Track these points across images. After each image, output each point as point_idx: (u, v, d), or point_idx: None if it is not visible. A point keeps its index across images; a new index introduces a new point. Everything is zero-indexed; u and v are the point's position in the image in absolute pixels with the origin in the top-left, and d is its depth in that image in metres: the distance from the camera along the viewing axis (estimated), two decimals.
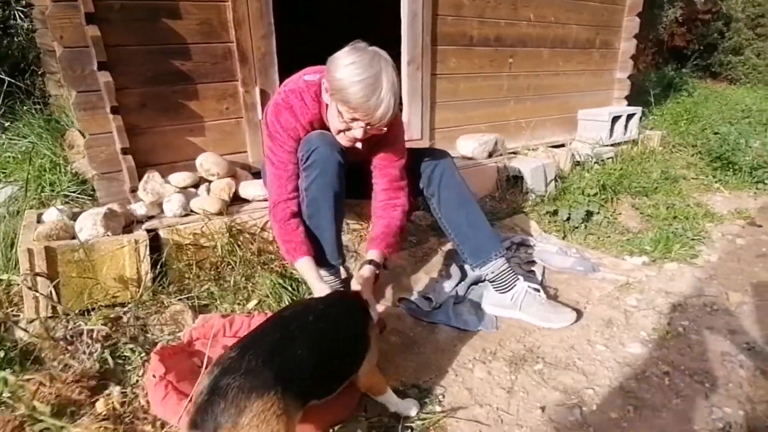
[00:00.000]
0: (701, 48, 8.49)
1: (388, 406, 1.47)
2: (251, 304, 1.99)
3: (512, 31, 3.35)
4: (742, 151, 4.18)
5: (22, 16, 4.42)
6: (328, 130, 1.74)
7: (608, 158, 3.86)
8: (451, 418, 1.48)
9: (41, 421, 1.34)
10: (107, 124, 2.02)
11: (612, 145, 3.99)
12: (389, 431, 1.40)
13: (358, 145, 1.76)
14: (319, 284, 1.64)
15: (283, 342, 1.15)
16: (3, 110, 3.27)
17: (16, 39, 4.43)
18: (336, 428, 1.41)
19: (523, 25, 3.40)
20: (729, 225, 3.11)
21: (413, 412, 1.47)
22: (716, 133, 4.67)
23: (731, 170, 4.00)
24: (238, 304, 2.00)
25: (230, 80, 2.28)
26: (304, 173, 1.75)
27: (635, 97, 4.71)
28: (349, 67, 1.49)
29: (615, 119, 3.99)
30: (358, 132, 1.61)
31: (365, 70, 1.47)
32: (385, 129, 1.62)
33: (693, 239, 2.80)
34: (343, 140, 1.70)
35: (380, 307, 2.07)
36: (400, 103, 2.86)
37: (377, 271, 1.76)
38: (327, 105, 1.68)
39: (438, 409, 1.51)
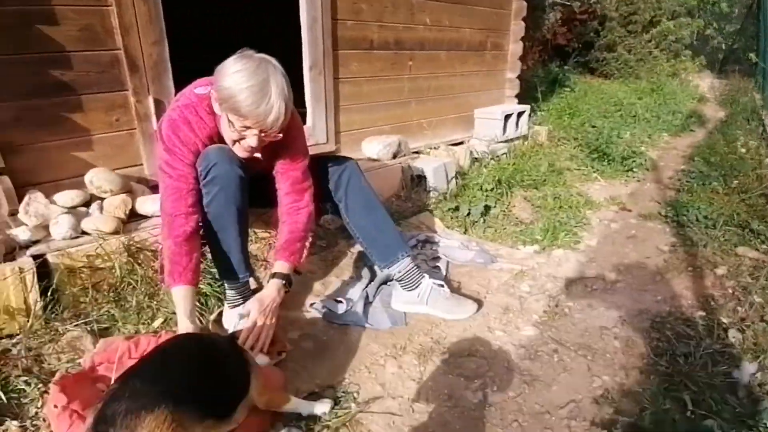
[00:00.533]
0: (580, 46, 9.38)
1: (300, 413, 1.51)
2: (157, 323, 1.92)
3: (410, 35, 3.49)
4: (615, 143, 4.74)
5: None
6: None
7: (503, 154, 4.18)
8: (366, 413, 1.56)
9: None
10: None
11: (505, 141, 4.32)
12: None
13: (257, 154, 1.77)
14: (186, 321, 1.61)
15: (163, 364, 1.17)
16: None
17: None
18: None
19: (421, 29, 3.55)
20: (605, 211, 3.52)
21: (324, 410, 1.51)
22: (594, 126, 5.23)
23: (606, 161, 4.52)
24: (143, 323, 1.92)
25: (120, 90, 2.15)
26: (205, 189, 1.72)
27: (525, 94, 5.13)
28: (236, 75, 1.48)
29: (507, 117, 4.32)
30: (252, 140, 1.60)
31: (252, 77, 1.47)
32: (281, 135, 1.63)
33: (576, 226, 3.14)
34: (239, 151, 1.69)
35: (295, 313, 2.10)
36: (303, 107, 2.89)
37: (284, 284, 1.79)
38: (219, 116, 1.66)
39: (353, 406, 1.58)
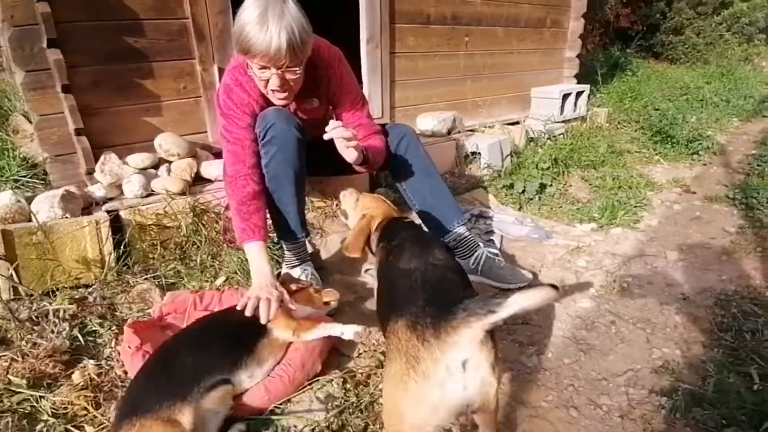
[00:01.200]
0: (644, 29, 8.88)
1: (336, 335, 1.44)
2: (220, 281, 2.01)
3: (467, 10, 3.43)
4: (680, 125, 4.48)
5: None
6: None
7: (559, 134, 4.04)
8: None
9: (18, 393, 1.34)
10: (58, 104, 1.96)
11: (563, 121, 4.18)
12: (360, 387, 1.48)
13: (315, 104, 1.79)
14: (258, 275, 1.57)
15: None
16: None
17: None
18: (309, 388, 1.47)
19: (478, 4, 3.49)
20: (667, 193, 3.34)
21: (357, 330, 1.43)
22: (657, 110, 4.96)
23: (670, 143, 4.28)
24: (206, 281, 2.01)
25: (187, 58, 2.25)
26: (263, 150, 1.76)
27: (584, 76, 4.93)
28: (241, 14, 1.48)
29: (565, 97, 4.18)
30: (273, 81, 1.59)
31: (253, 11, 1.45)
32: (298, 70, 1.59)
33: (636, 206, 3.01)
34: (276, 100, 1.70)
35: (351, 277, 2.14)
36: (360, 82, 2.91)
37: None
38: None
39: None
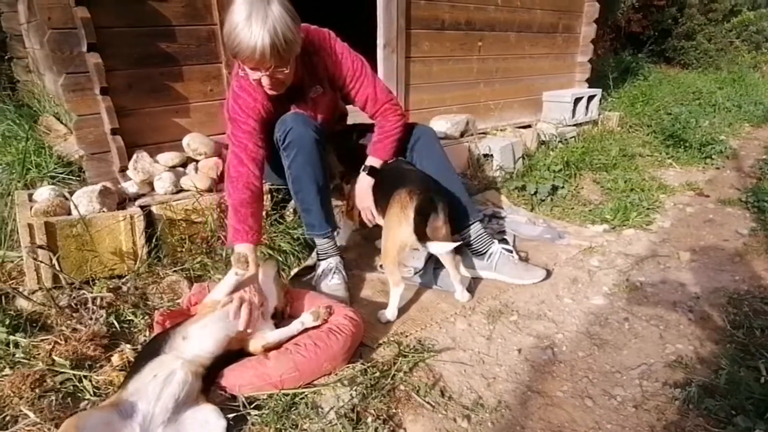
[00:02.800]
0: (656, 34, 8.89)
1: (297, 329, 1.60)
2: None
3: (481, 16, 3.51)
4: (693, 129, 4.51)
5: None
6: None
7: (571, 137, 4.10)
8: (438, 361, 1.64)
9: (62, 373, 1.43)
10: (96, 106, 2.07)
11: (574, 125, 4.24)
12: (383, 373, 1.55)
13: (320, 90, 1.90)
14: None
15: None
16: None
17: None
18: (333, 373, 1.54)
19: (491, 10, 3.56)
20: (680, 196, 3.38)
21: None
22: (669, 114, 4.99)
23: (682, 147, 4.31)
24: None
25: (214, 62, 2.35)
26: (284, 153, 1.87)
27: (595, 81, 4.98)
28: (228, 19, 1.54)
29: (577, 101, 4.23)
30: (264, 81, 1.66)
31: (238, 16, 1.50)
32: (286, 70, 1.65)
33: (648, 208, 3.05)
34: (271, 93, 1.76)
35: (367, 273, 2.22)
36: None
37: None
38: None
39: (425, 354, 1.67)
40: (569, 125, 4.18)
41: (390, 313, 1.86)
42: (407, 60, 3.18)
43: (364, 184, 2.03)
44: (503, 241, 2.54)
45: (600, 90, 4.56)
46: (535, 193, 3.17)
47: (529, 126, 4.16)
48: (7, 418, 1.32)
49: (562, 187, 3.25)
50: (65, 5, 1.91)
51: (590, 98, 4.39)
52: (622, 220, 2.86)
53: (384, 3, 2.91)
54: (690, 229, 2.82)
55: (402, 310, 1.94)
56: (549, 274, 2.21)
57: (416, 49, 3.21)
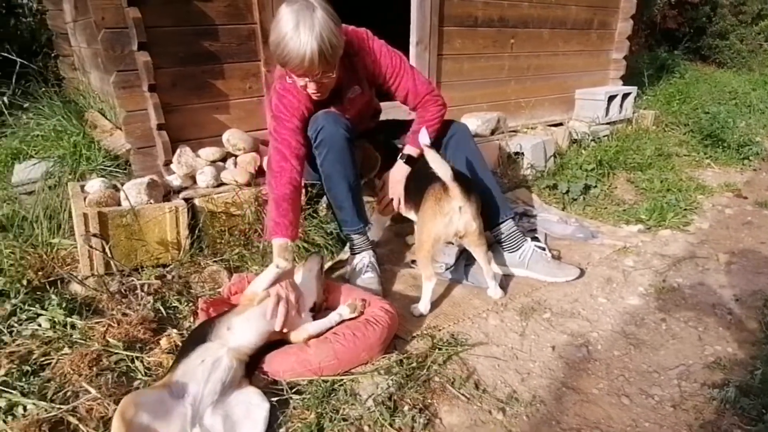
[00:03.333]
0: (691, 31, 8.65)
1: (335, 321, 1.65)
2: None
3: (514, 13, 3.49)
4: (731, 129, 4.38)
5: None
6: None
7: (604, 136, 4.04)
8: (472, 355, 1.67)
9: (116, 353, 1.51)
10: (143, 102, 2.16)
11: (608, 123, 4.17)
12: (418, 364, 1.58)
13: (357, 91, 1.94)
14: (278, 259, 1.66)
15: None
16: (19, 91, 3.37)
17: (23, 20, 4.48)
18: (370, 363, 1.59)
19: (525, 7, 3.54)
20: (718, 197, 3.31)
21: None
22: (707, 113, 4.86)
23: (720, 147, 4.20)
24: (266, 266, 2.16)
25: (254, 60, 2.41)
26: (317, 151, 1.92)
27: (629, 78, 4.88)
28: (275, 28, 1.58)
29: (611, 98, 4.17)
30: (311, 87, 1.73)
31: (286, 25, 1.55)
32: (333, 75, 1.72)
33: (685, 209, 2.99)
34: (315, 97, 1.82)
35: (399, 268, 2.25)
36: None
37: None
38: None
39: (458, 348, 1.69)
40: (602, 123, 4.11)
41: (423, 306, 1.90)
42: (439, 57, 3.19)
43: (401, 172, 2.07)
44: (535, 239, 2.54)
45: (635, 88, 4.47)
46: (567, 191, 3.14)
47: (560, 124, 4.11)
48: (69, 393, 1.40)
49: (595, 186, 3.21)
50: (118, 6, 2.00)
51: (625, 96, 4.32)
52: (658, 220, 2.82)
53: (418, 1, 2.93)
54: (729, 231, 2.76)
55: (434, 305, 1.97)
56: (582, 272, 2.20)
57: (448, 46, 3.22)
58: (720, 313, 1.94)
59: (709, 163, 4.00)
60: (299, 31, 1.53)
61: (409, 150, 2.05)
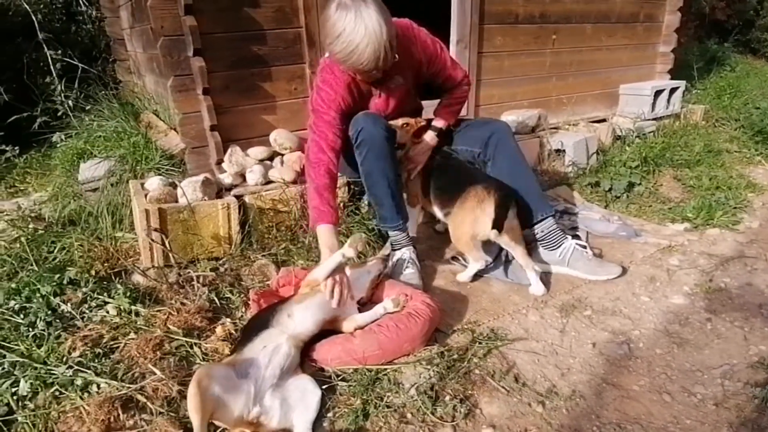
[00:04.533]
0: (740, 23, 8.25)
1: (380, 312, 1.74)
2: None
3: (556, 8, 3.46)
4: None
5: (87, 3, 4.72)
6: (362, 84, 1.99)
7: (650, 132, 3.94)
8: (512, 349, 1.70)
9: (176, 339, 1.64)
10: (198, 104, 2.29)
11: (654, 119, 4.06)
12: (459, 357, 1.63)
13: (400, 81, 2.03)
14: (326, 251, 1.77)
15: None
16: (81, 95, 3.61)
17: (83, 26, 4.77)
18: (412, 354, 1.65)
19: (568, 2, 3.50)
20: None
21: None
22: (758, 108, 4.64)
23: None
24: (312, 260, 2.26)
25: (299, 63, 2.51)
26: (357, 151, 2.00)
27: (678, 71, 4.72)
28: (336, 30, 1.66)
29: (657, 93, 4.05)
30: (376, 74, 1.85)
31: (352, 30, 1.63)
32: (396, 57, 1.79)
33: (735, 208, 2.90)
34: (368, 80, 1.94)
35: (439, 264, 2.31)
36: None
37: (437, 135, 2.21)
38: None
39: (498, 342, 1.73)
40: (648, 119, 4.01)
41: (465, 275, 2.14)
42: (479, 55, 3.21)
43: (430, 143, 2.20)
44: (576, 237, 2.53)
45: (683, 82, 4.32)
46: (610, 189, 3.10)
47: (603, 120, 4.04)
48: (136, 374, 1.53)
49: (639, 184, 3.16)
50: (175, 15, 2.13)
51: (672, 91, 4.18)
52: (705, 219, 2.75)
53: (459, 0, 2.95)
54: None
55: (474, 301, 2.01)
56: (624, 271, 2.19)
57: (488, 44, 3.23)
58: (767, 314, 1.89)
59: (760, 160, 3.83)
60: (369, 37, 1.63)
61: (439, 123, 2.20)
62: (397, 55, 1.78)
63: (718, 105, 4.82)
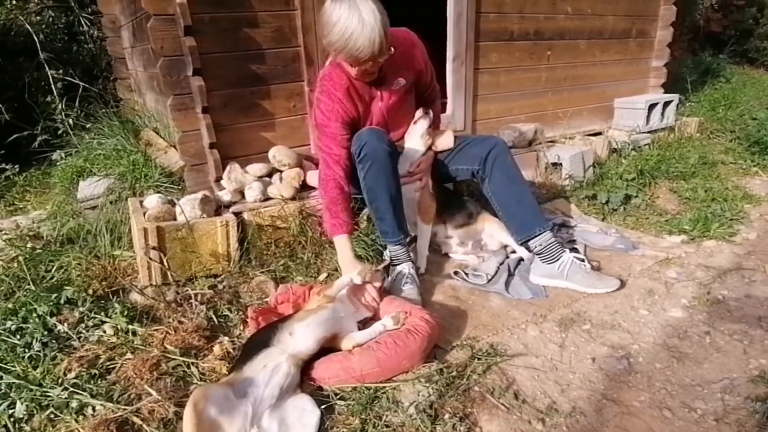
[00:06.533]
0: (737, 33, 8.36)
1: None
2: (322, 277, 2.26)
3: (550, 25, 3.51)
4: None
5: (89, 23, 4.79)
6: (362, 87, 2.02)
7: (645, 145, 3.97)
8: (511, 365, 1.70)
9: (173, 359, 1.63)
10: (197, 123, 2.32)
11: (649, 132, 4.10)
12: (458, 374, 1.63)
13: (402, 82, 2.09)
14: (346, 262, 1.95)
15: None
16: (82, 113, 3.64)
17: (85, 46, 4.84)
18: (411, 371, 1.64)
19: (561, 19, 3.55)
20: (766, 206, 3.19)
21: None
22: (754, 119, 4.69)
23: None
24: (311, 276, 2.26)
25: (298, 81, 2.54)
26: (360, 165, 2.02)
27: (671, 84, 4.78)
28: (336, 29, 1.71)
29: (652, 107, 4.10)
30: (374, 68, 1.88)
31: (352, 24, 1.68)
32: (392, 50, 1.84)
33: (731, 219, 2.91)
34: (366, 78, 1.98)
35: (439, 279, 2.31)
36: (444, 97, 3.08)
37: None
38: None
39: (498, 358, 1.73)
40: (643, 132, 4.05)
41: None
42: (476, 71, 3.25)
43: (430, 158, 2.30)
44: (574, 250, 2.54)
45: (677, 95, 4.37)
46: (607, 202, 3.12)
47: (599, 133, 4.07)
48: (132, 395, 1.53)
49: (636, 197, 3.17)
50: (175, 36, 2.16)
51: (666, 104, 4.23)
52: (702, 231, 2.76)
53: (454, 18, 3.00)
54: None
55: (473, 316, 2.01)
56: (623, 284, 2.19)
57: (485, 60, 3.27)
58: (766, 326, 1.89)
59: (756, 171, 3.86)
60: (363, 22, 1.68)
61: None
62: (401, 53, 1.85)
63: (713, 117, 4.87)
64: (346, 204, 2.01)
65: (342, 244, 1.99)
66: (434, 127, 2.31)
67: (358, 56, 1.76)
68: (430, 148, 2.28)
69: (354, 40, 1.71)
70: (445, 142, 2.31)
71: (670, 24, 4.26)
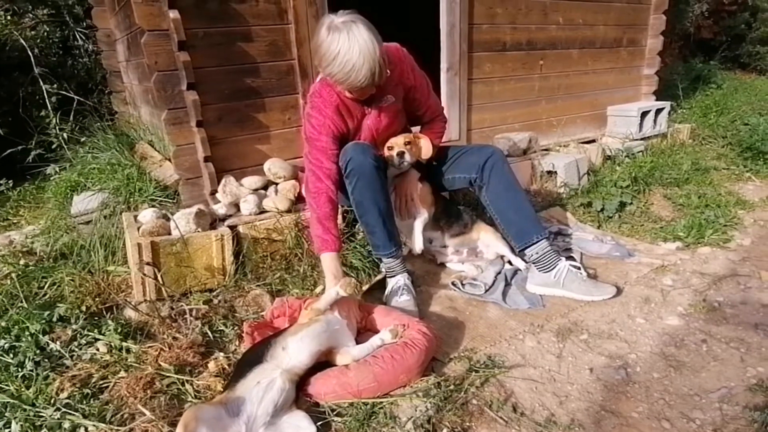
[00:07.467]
0: (729, 39, 8.46)
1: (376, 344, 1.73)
2: (318, 289, 2.24)
3: (542, 35, 3.55)
4: None
5: (84, 38, 4.80)
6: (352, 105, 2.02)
7: (638, 152, 4.00)
8: (509, 377, 1.69)
9: (168, 377, 1.61)
10: (192, 137, 2.31)
11: (642, 139, 4.13)
12: (456, 387, 1.62)
13: (391, 100, 2.07)
14: (330, 276, 1.90)
15: None
16: (77, 127, 3.64)
17: (80, 60, 4.85)
18: (409, 385, 1.63)
19: (553, 29, 3.59)
20: (761, 212, 3.21)
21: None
22: (746, 125, 4.73)
23: (762, 160, 4.07)
24: (307, 289, 2.25)
25: (292, 93, 2.55)
26: (347, 180, 2.02)
27: (663, 91, 4.83)
28: (336, 62, 1.71)
29: (644, 114, 4.13)
30: (369, 91, 1.89)
31: (342, 48, 1.67)
32: (389, 72, 1.84)
33: (725, 225, 2.93)
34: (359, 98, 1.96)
35: (436, 289, 2.30)
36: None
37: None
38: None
39: (496, 370, 1.72)
40: (636, 139, 4.08)
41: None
42: (469, 81, 3.27)
43: (414, 177, 2.26)
44: (570, 258, 2.55)
45: (669, 103, 4.41)
46: (602, 209, 3.13)
47: (593, 141, 4.10)
48: (125, 415, 1.51)
49: (631, 204, 3.19)
50: (169, 51, 2.17)
51: (658, 111, 4.27)
52: (696, 237, 2.77)
53: (447, 29, 3.02)
54: None
55: (471, 327, 2.01)
56: (619, 291, 2.19)
57: (478, 70, 3.29)
58: (763, 333, 1.89)
59: (749, 176, 3.89)
60: (363, 54, 1.68)
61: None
62: (389, 71, 1.83)
63: (704, 123, 4.91)
64: (336, 219, 2.01)
65: (330, 259, 1.94)
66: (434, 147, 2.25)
67: (360, 86, 1.78)
68: (416, 163, 2.25)
69: (356, 73, 1.71)
70: (426, 148, 2.24)
71: (660, 33, 4.31)
